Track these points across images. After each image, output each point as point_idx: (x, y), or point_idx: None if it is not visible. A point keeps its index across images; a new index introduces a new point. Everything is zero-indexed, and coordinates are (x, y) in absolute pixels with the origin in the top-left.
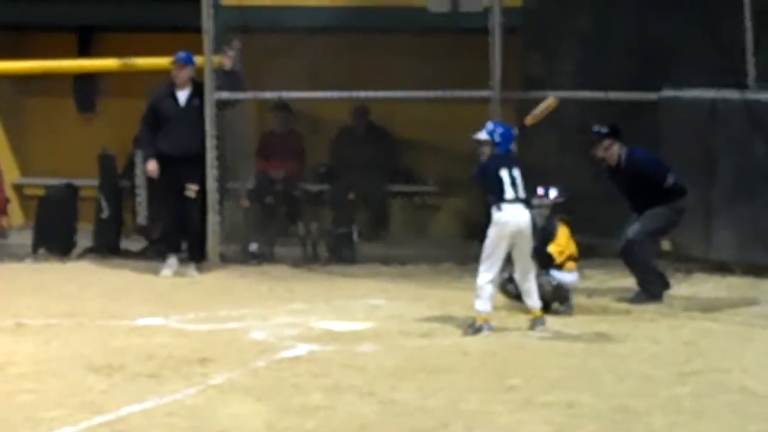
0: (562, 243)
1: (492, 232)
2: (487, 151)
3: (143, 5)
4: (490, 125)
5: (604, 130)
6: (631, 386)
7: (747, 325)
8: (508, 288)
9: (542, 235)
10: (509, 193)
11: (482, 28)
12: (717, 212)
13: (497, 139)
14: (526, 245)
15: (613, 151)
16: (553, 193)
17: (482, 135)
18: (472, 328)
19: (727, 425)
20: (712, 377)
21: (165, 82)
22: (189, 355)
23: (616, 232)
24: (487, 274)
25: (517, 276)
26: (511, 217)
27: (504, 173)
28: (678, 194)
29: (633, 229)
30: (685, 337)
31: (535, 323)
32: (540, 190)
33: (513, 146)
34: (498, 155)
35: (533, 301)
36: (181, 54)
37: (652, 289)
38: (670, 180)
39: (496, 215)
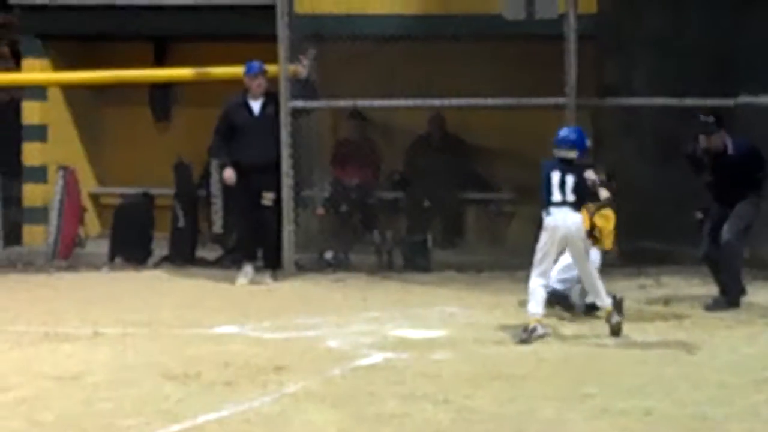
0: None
1: (542, 237)
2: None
3: (218, 14)
4: (567, 135)
5: (711, 119)
6: (708, 394)
7: None
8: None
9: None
10: (556, 196)
11: (557, 35)
12: None
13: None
14: (580, 247)
15: (720, 140)
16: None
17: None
18: (526, 332)
19: None
20: None
21: (239, 91)
22: (264, 364)
23: (691, 238)
24: (539, 278)
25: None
26: (560, 222)
27: (555, 175)
28: (761, 187)
29: (729, 230)
30: (762, 345)
31: (611, 318)
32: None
33: (569, 153)
34: (554, 158)
35: (602, 300)
36: (253, 64)
37: (735, 294)
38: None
39: (546, 219)
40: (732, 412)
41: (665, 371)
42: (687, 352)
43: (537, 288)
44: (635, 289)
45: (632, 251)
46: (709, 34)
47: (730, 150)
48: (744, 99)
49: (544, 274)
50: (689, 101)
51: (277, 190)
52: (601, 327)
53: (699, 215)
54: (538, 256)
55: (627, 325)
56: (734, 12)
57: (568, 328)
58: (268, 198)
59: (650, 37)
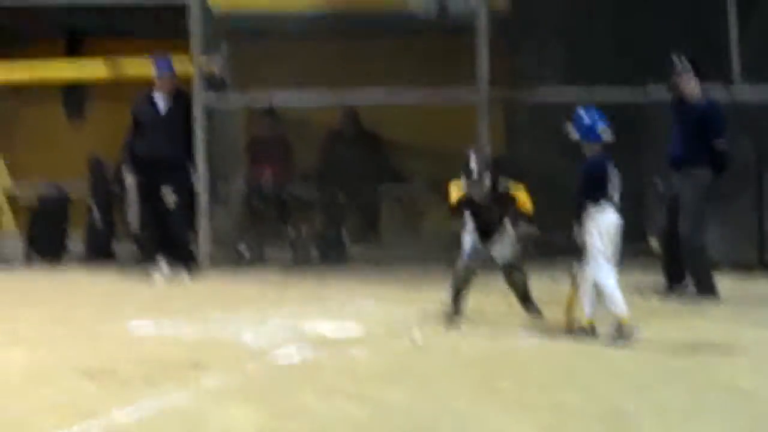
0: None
1: (597, 234)
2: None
3: (132, 12)
4: (578, 115)
5: (686, 62)
6: (621, 387)
7: (736, 322)
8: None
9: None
10: (612, 192)
11: (469, 29)
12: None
13: (582, 132)
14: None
15: (694, 86)
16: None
17: (571, 130)
18: (621, 333)
19: (719, 425)
20: (702, 376)
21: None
22: (181, 360)
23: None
24: (609, 275)
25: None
26: (615, 217)
27: (610, 170)
28: (722, 164)
29: (683, 224)
30: (677, 338)
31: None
32: (472, 163)
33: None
34: (601, 151)
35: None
36: (161, 64)
37: (708, 286)
38: (724, 144)
39: (600, 214)
40: (645, 406)
41: (578, 365)
42: (600, 346)
43: (614, 289)
44: (548, 281)
45: (543, 243)
46: (619, 26)
47: (697, 99)
48: (656, 90)
49: (611, 271)
50: (599, 93)
51: (182, 187)
52: (515, 323)
53: (659, 185)
54: (601, 255)
55: (540, 321)
56: (643, 3)
57: (484, 324)
58: (167, 194)
59: (561, 30)
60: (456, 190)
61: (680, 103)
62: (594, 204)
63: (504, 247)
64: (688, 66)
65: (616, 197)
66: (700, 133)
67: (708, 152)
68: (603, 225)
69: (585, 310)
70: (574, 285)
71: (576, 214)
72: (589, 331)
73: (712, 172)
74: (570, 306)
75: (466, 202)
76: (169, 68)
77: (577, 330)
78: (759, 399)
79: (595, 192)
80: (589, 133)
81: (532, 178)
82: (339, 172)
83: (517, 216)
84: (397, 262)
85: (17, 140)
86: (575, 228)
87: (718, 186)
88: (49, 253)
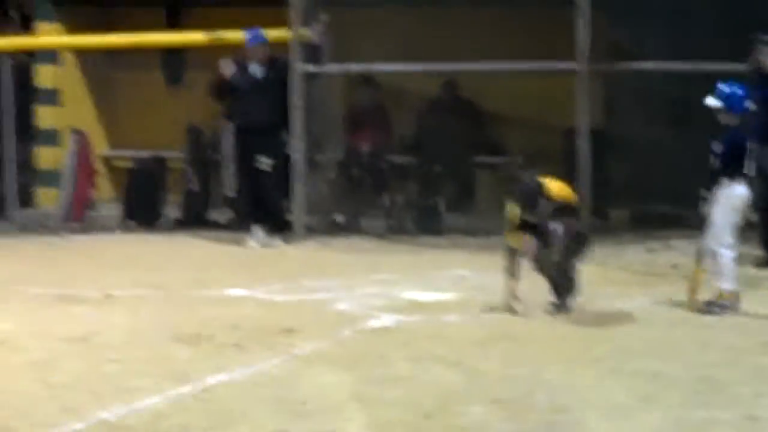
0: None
1: (728, 207)
2: (722, 117)
3: None
4: (719, 87)
5: (765, 36)
6: (715, 356)
7: None
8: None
9: (530, 197)
10: (749, 167)
11: (570, 1)
12: None
13: (726, 101)
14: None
15: None
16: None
17: (711, 101)
18: (720, 306)
19: None
20: None
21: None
22: (274, 326)
23: (699, 202)
24: (730, 250)
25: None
26: (746, 191)
27: (751, 145)
28: None
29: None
30: None
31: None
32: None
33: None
34: (744, 123)
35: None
36: (252, 36)
37: None
38: None
39: (732, 189)
40: (739, 374)
41: (673, 333)
42: (695, 315)
43: (731, 262)
44: (643, 253)
45: (642, 215)
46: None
47: None
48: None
49: (734, 245)
50: (703, 65)
51: (276, 154)
52: (609, 291)
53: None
54: (723, 227)
55: (635, 288)
56: None
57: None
58: (263, 162)
59: (662, 3)
60: (513, 218)
61: (761, 76)
62: (730, 178)
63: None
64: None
65: (752, 170)
66: None
67: None
68: (737, 199)
69: (726, 287)
70: (700, 264)
71: (710, 186)
72: (732, 303)
73: None
74: (695, 286)
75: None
76: (258, 38)
77: (710, 306)
78: None
79: (734, 164)
80: (736, 103)
81: (631, 151)
82: (436, 141)
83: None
84: (492, 232)
85: (117, 107)
86: (704, 199)
87: None
88: (145, 219)
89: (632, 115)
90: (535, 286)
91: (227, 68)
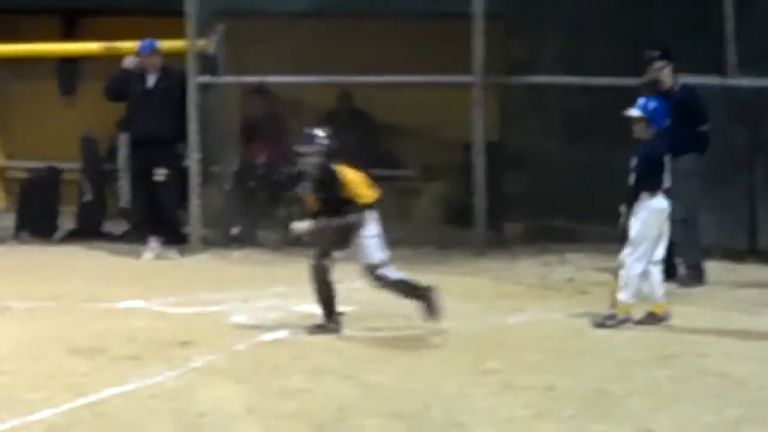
0: (357, 178)
1: (646, 220)
2: (639, 129)
3: None
4: (641, 101)
5: (657, 52)
6: (609, 370)
7: (726, 309)
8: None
9: (322, 183)
10: (667, 181)
11: (466, 13)
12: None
13: (650, 115)
14: (667, 228)
15: (667, 74)
16: (321, 134)
17: (634, 112)
18: (614, 319)
19: (705, 409)
20: (691, 361)
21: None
22: (170, 338)
23: (597, 216)
24: (638, 263)
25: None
26: (666, 204)
27: (666, 159)
28: (705, 145)
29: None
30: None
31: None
32: (304, 135)
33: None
34: (659, 137)
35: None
36: (145, 43)
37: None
38: (706, 127)
39: (652, 202)
40: (633, 388)
41: (568, 347)
42: (590, 329)
43: (635, 276)
44: (538, 266)
45: (537, 229)
46: (617, 15)
47: (676, 87)
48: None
49: (644, 259)
50: (596, 80)
51: (172, 165)
52: (504, 305)
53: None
54: (638, 241)
55: (530, 301)
56: None
57: (474, 306)
58: (159, 174)
59: (558, 17)
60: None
61: (658, 93)
62: (650, 192)
63: None
64: (662, 56)
65: (668, 182)
66: (681, 119)
67: (693, 138)
68: (655, 212)
69: (623, 298)
70: (617, 276)
71: (629, 199)
72: (628, 316)
73: (698, 155)
74: (613, 296)
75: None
76: (150, 47)
77: (608, 319)
78: (749, 387)
79: (652, 178)
80: (659, 117)
81: (526, 164)
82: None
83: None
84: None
85: (10, 117)
86: (623, 213)
87: (707, 173)
88: (40, 230)
89: (528, 128)
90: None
91: (129, 60)
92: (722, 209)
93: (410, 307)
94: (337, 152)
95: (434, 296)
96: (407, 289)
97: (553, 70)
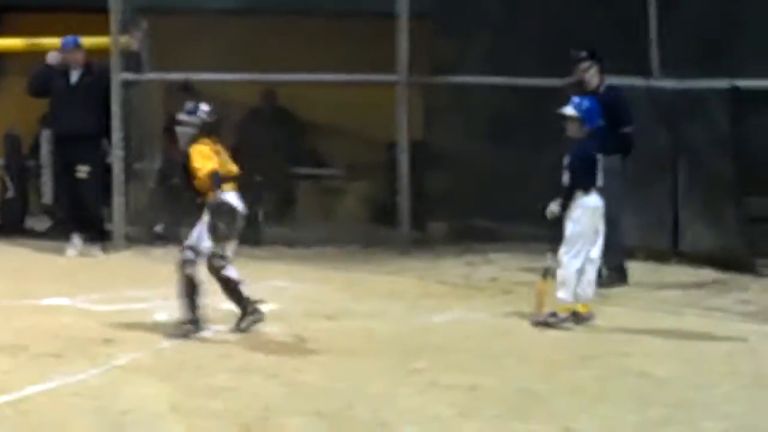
0: (202, 158)
1: (581, 218)
2: (573, 128)
3: None
4: (575, 99)
5: (584, 53)
6: (534, 369)
7: (649, 309)
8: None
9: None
10: (600, 179)
11: (391, 12)
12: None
13: (584, 114)
14: (602, 226)
15: (593, 75)
16: (204, 108)
17: (569, 110)
18: (556, 318)
19: (628, 409)
20: (614, 361)
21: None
22: (94, 336)
23: (519, 216)
24: (575, 261)
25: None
26: (600, 202)
27: (599, 157)
28: (629, 146)
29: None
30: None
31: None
32: (189, 105)
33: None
34: (591, 136)
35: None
36: (68, 39)
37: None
38: (630, 129)
39: (586, 200)
40: (557, 388)
41: (492, 346)
42: (514, 328)
43: (573, 273)
44: (462, 266)
45: (461, 228)
46: (542, 16)
47: (601, 89)
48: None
49: (580, 256)
50: (519, 80)
51: (95, 162)
52: (428, 304)
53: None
54: (573, 239)
55: (454, 300)
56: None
57: (398, 305)
58: (82, 170)
59: (484, 17)
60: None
61: (583, 93)
62: (583, 190)
63: None
64: (588, 57)
65: (601, 181)
66: (606, 120)
67: (617, 139)
68: (589, 210)
69: (562, 296)
70: (547, 276)
71: (564, 199)
72: (566, 316)
73: (622, 156)
74: (541, 296)
75: None
76: (71, 42)
77: (550, 317)
78: (672, 387)
79: (586, 176)
80: (593, 117)
81: (450, 163)
82: (256, 152)
83: None
84: (312, 243)
85: None
86: (553, 211)
87: (630, 174)
88: None
89: (453, 128)
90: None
91: (53, 56)
92: (645, 210)
93: (336, 305)
94: (214, 129)
95: (255, 313)
96: (233, 291)
97: (479, 70)
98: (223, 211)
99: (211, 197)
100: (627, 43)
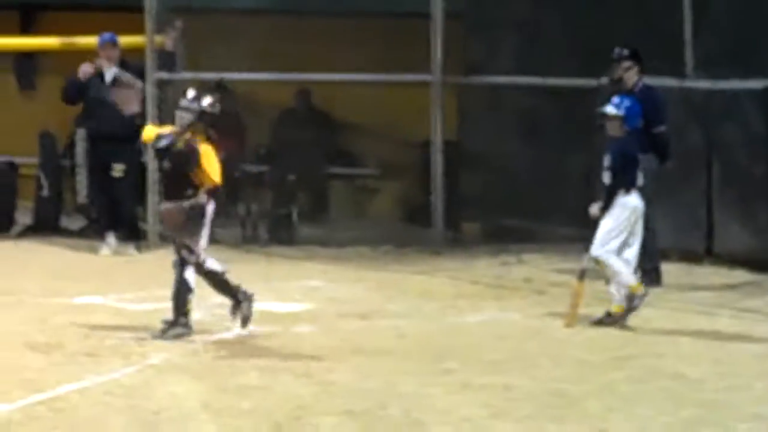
0: (214, 165)
1: (619, 216)
2: (614, 127)
3: None
4: (616, 99)
5: (626, 51)
6: (567, 371)
7: (682, 311)
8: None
9: (180, 157)
10: (640, 178)
11: (425, 13)
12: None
13: (626, 113)
14: (641, 229)
15: (632, 74)
16: (207, 100)
17: (611, 109)
18: (638, 298)
19: (661, 410)
20: (647, 362)
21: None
22: (127, 335)
23: (553, 217)
24: (617, 259)
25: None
26: (640, 202)
27: (639, 157)
28: (663, 147)
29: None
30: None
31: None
32: (191, 93)
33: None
34: (631, 136)
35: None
36: (106, 35)
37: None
38: (663, 128)
39: (627, 199)
40: (590, 389)
41: (525, 347)
42: (547, 329)
43: (622, 265)
44: (496, 266)
45: (494, 229)
46: (574, 15)
47: (638, 87)
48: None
49: (617, 253)
50: (552, 81)
51: (130, 161)
52: (461, 304)
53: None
54: (612, 235)
55: (487, 301)
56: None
57: (431, 305)
58: (117, 170)
59: (515, 18)
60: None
61: (619, 92)
62: (624, 189)
63: None
64: (629, 56)
65: (641, 181)
66: (645, 120)
67: (650, 139)
68: (630, 210)
69: (627, 280)
70: (584, 278)
71: (605, 199)
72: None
73: (658, 159)
74: (577, 298)
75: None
76: (108, 39)
77: (606, 318)
78: (704, 388)
79: (627, 175)
80: (634, 116)
81: (484, 164)
82: (290, 151)
83: None
84: (345, 242)
85: None
86: (595, 212)
87: (664, 174)
88: None
89: (486, 128)
90: None
91: (84, 71)
92: (679, 211)
93: (369, 305)
94: (213, 121)
95: (247, 302)
96: (221, 282)
97: (512, 71)
98: (196, 212)
99: (198, 197)
100: (661, 44)
